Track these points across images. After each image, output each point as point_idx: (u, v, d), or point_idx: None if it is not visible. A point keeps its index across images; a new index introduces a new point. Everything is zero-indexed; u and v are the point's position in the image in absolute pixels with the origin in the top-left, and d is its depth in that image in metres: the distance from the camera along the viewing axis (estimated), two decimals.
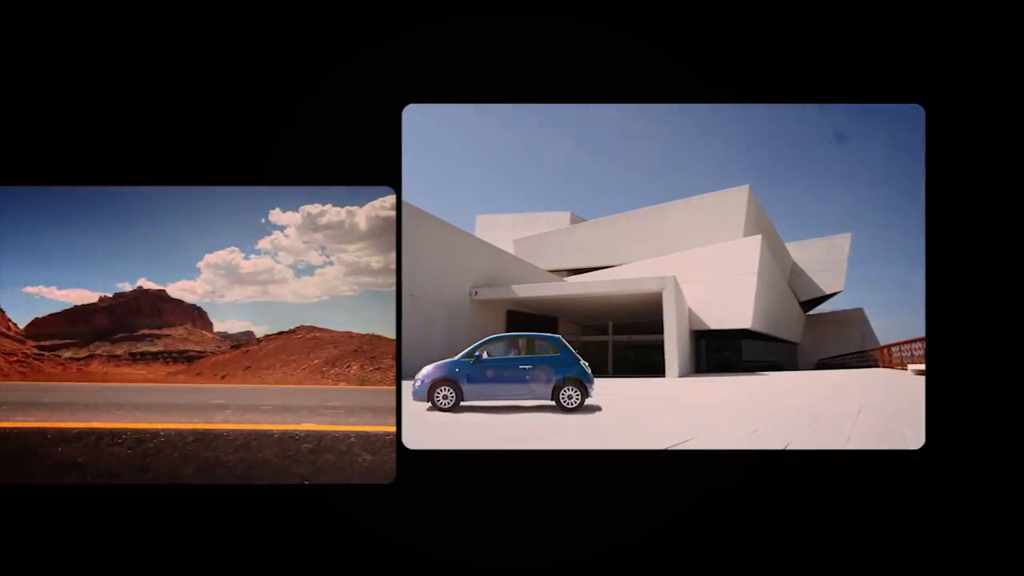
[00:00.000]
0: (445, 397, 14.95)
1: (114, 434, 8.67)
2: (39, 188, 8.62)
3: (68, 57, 8.53)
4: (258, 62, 8.59)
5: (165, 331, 43.16)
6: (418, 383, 15.26)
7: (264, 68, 8.60)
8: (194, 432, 8.96)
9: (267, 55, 8.60)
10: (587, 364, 15.82)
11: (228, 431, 9.06)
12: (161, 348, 42.22)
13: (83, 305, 41.39)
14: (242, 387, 28.54)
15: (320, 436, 9.04)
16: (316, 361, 33.58)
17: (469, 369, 15.15)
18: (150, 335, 42.66)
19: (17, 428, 8.66)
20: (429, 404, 15.06)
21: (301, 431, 9.19)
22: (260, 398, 18.11)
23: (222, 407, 14.03)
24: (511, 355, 15.60)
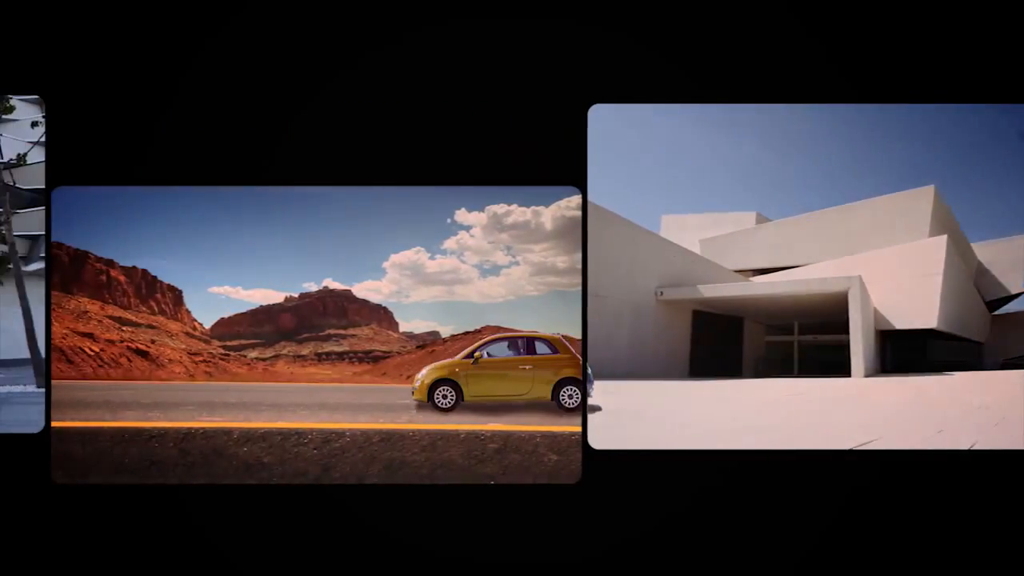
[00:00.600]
0: (444, 396, 14.95)
1: (300, 434, 8.77)
2: (224, 188, 8.82)
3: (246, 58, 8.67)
4: (449, 64, 8.56)
5: (351, 331, 43.94)
6: (417, 383, 15.32)
7: (455, 68, 8.56)
8: (380, 432, 8.95)
9: (457, 56, 8.56)
10: (589, 365, 15.24)
11: (414, 431, 9.02)
12: (347, 348, 42.95)
13: (269, 305, 42.55)
14: None
15: (506, 436, 8.94)
16: None
17: (469, 369, 15.24)
18: (336, 335, 43.51)
19: (203, 428, 8.80)
20: (430, 403, 14.95)
21: (487, 431, 9.09)
22: None
23: (407, 407, 14.24)
24: (511, 355, 15.59)
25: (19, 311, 20.56)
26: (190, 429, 8.66)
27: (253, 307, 40.98)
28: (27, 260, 28.19)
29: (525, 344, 15.76)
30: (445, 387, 14.95)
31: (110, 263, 24.71)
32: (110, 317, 24.05)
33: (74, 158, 8.41)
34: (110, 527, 8.20)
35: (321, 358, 41.43)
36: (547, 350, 15.53)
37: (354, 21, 8.60)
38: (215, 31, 8.60)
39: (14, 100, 22.56)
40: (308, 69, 8.62)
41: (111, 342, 21.48)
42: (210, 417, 10.77)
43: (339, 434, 8.80)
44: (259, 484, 8.27)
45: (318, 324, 43.02)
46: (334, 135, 8.62)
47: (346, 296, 44.99)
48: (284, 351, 40.72)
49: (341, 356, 41.94)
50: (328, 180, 8.66)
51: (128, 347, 21.80)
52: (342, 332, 43.30)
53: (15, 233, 22.01)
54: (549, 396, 14.96)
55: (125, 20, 8.51)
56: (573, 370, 15.00)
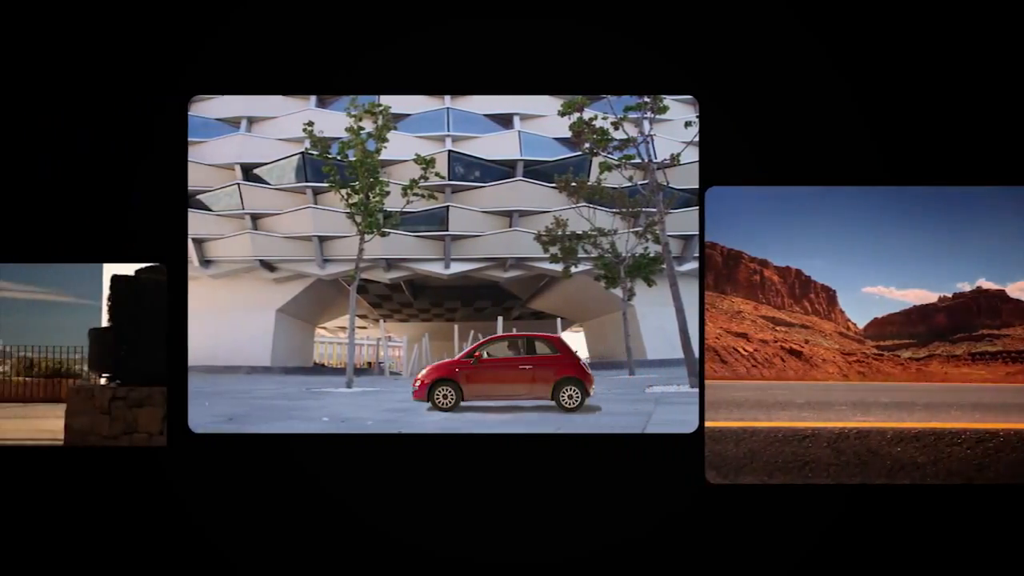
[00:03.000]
0: (445, 397, 15.34)
1: (953, 434, 8.24)
2: (868, 189, 8.54)
3: None
4: None
5: (1004, 331, 40.79)
6: (417, 384, 15.78)
7: None
8: None
9: None
10: (588, 364, 15.69)
11: None
12: (1000, 348, 39.99)
13: (922, 305, 41.06)
14: None
15: None
16: None
17: (469, 369, 15.50)
18: (989, 335, 40.75)
19: (856, 428, 8.50)
20: (429, 404, 15.45)
21: None
22: None
23: None
24: (511, 355, 15.99)
25: (673, 311, 21.24)
26: (843, 429, 8.42)
27: (907, 307, 39.57)
28: (680, 260, 29.57)
29: (525, 344, 16.16)
30: (446, 387, 15.40)
31: (764, 263, 24.92)
32: (763, 317, 24.26)
33: (727, 158, 8.45)
34: (763, 527, 8.23)
35: (975, 358, 38.77)
36: (547, 350, 15.93)
37: None
38: None
39: (668, 100, 23.48)
40: None
41: (764, 342, 21.55)
42: (864, 417, 10.65)
43: (993, 434, 8.21)
44: (911, 484, 8.04)
45: (971, 324, 40.29)
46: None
47: (999, 296, 41.61)
48: (938, 351, 38.69)
49: (994, 356, 38.92)
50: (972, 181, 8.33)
51: (782, 347, 21.69)
52: (995, 332, 40.09)
53: (668, 233, 22.90)
54: (549, 396, 15.36)
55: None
56: (573, 370, 15.37)
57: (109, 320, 10.86)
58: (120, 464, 8.57)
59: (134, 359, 10.42)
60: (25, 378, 19.07)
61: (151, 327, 9.71)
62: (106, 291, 10.86)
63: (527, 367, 15.74)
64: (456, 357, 16.33)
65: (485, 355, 15.99)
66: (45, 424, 13.59)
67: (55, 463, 8.57)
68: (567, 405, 15.36)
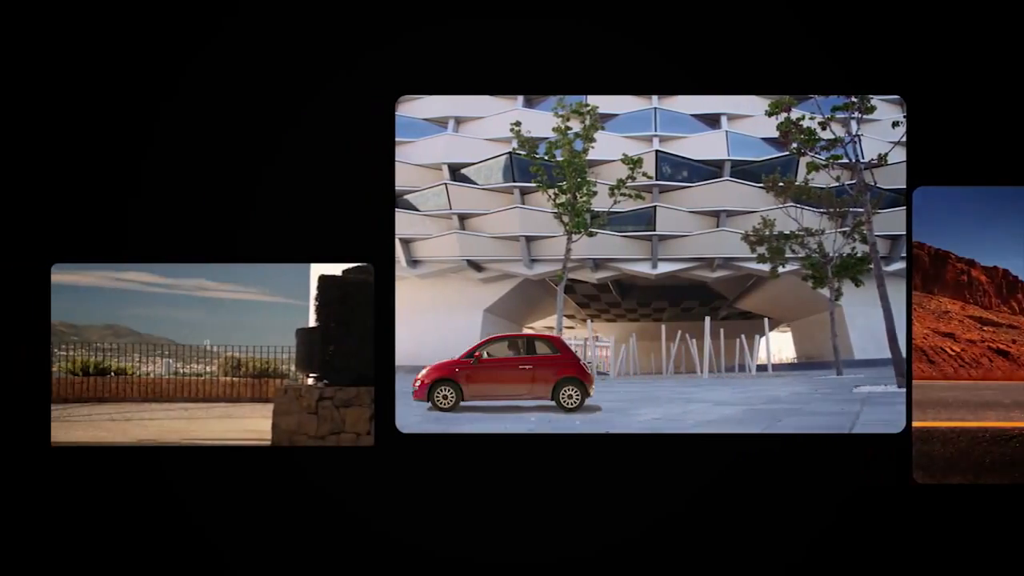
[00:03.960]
0: (445, 397, 15.38)
1: None
2: None
3: None
4: None
5: None
6: (417, 384, 15.70)
7: None
8: None
9: None
10: (589, 364, 14.13)
11: None
12: None
13: None
14: None
15: None
16: None
17: (469, 369, 15.51)
18: None
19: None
20: (429, 404, 15.43)
21: None
22: None
23: None
24: (511, 355, 15.88)
25: (880, 311, 20.97)
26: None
27: None
28: (888, 260, 28.89)
29: (525, 344, 16.12)
30: (446, 387, 15.38)
31: (971, 263, 23.96)
32: (971, 317, 23.32)
33: (934, 158, 8.47)
34: (971, 528, 8.20)
35: None
36: (547, 350, 15.89)
37: None
38: None
39: (875, 100, 23.09)
40: None
41: (972, 342, 20.82)
42: None
43: None
44: None
45: None
46: None
47: None
48: None
49: None
50: None
51: (989, 347, 20.89)
52: None
53: (876, 233, 22.55)
54: (549, 396, 15.30)
55: None
56: (573, 370, 15.28)
57: (316, 320, 10.81)
58: (328, 463, 8.65)
59: (341, 359, 10.39)
60: (232, 378, 19.72)
61: (358, 327, 9.88)
62: (313, 291, 10.85)
63: (527, 367, 15.67)
64: (456, 357, 16.09)
65: (485, 355, 15.93)
66: (250, 424, 14.33)
67: (263, 462, 8.67)
68: (567, 405, 15.36)
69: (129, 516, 8.55)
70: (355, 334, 10.05)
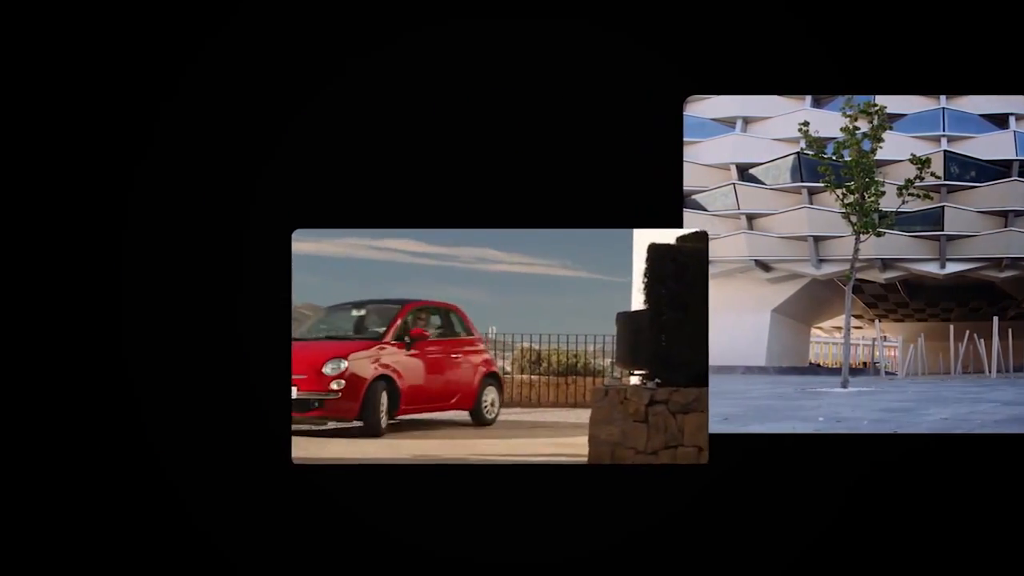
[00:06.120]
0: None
1: None
2: None
3: None
4: None
5: None
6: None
7: None
8: None
9: None
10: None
11: None
12: None
13: None
14: None
15: None
16: None
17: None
18: None
19: None
20: None
21: None
22: None
23: None
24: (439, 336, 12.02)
25: None
26: None
27: None
28: None
29: (443, 318, 12.22)
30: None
31: None
32: None
33: None
34: None
35: None
36: (460, 330, 11.93)
37: None
38: None
39: None
40: None
41: None
42: None
43: None
44: None
45: None
46: None
47: None
48: None
49: None
50: None
51: None
52: None
53: None
54: (471, 404, 11.70)
55: None
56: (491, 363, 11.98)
57: (645, 302, 8.80)
58: (661, 485, 7.55)
59: (677, 351, 8.48)
60: (531, 376, 15.68)
61: (696, 311, 8.30)
62: (640, 265, 8.81)
63: (456, 356, 12.64)
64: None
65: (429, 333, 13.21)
66: (555, 436, 11.81)
67: (580, 485, 7.49)
68: (488, 416, 12.42)
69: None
70: (693, 320, 8.33)
